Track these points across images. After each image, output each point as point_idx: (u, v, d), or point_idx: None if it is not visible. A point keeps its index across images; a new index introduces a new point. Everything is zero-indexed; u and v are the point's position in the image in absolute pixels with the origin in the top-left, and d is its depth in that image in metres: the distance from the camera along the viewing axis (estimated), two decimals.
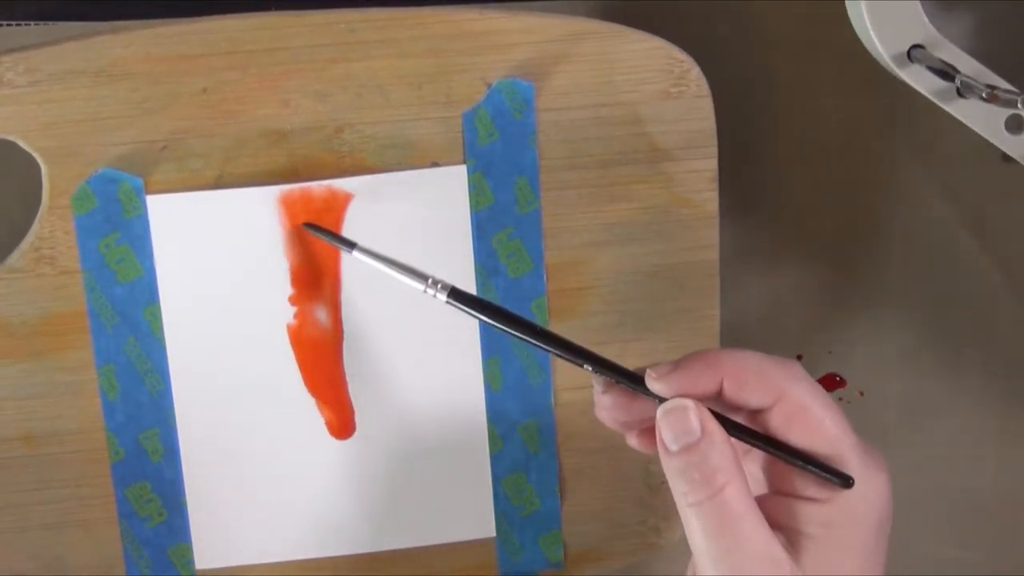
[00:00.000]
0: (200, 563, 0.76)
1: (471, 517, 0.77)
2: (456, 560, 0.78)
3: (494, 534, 0.78)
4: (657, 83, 0.73)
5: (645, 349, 0.76)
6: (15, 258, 0.72)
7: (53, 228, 0.72)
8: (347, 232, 0.73)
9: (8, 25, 0.76)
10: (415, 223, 0.74)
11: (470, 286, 0.75)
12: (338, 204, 0.73)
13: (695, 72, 0.73)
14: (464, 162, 0.73)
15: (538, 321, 0.75)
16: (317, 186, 0.73)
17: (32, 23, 0.77)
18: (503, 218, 0.74)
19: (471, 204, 0.74)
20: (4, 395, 0.74)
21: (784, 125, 0.81)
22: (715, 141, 0.74)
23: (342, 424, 0.75)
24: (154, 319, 0.73)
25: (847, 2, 0.74)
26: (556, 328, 0.75)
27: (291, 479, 0.76)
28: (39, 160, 0.71)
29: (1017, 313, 0.84)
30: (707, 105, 0.74)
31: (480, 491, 0.77)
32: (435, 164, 0.73)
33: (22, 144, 0.71)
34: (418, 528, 0.77)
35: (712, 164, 0.75)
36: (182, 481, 0.75)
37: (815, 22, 0.79)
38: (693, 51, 0.75)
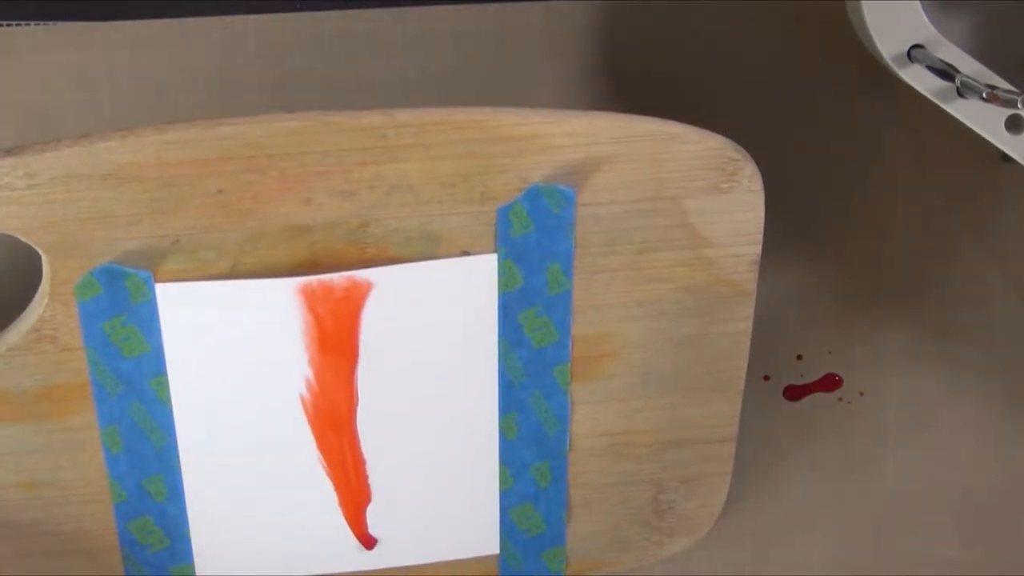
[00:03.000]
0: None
1: (476, 538, 0.78)
2: (458, 569, 0.78)
3: (498, 551, 0.78)
4: (707, 179, 0.69)
5: (668, 404, 0.75)
6: (13, 336, 0.68)
7: (55, 312, 0.68)
8: (366, 323, 0.69)
9: (8, 25, 0.73)
10: (439, 311, 0.70)
11: (492, 358, 0.72)
12: (359, 294, 0.69)
13: (749, 169, 0.69)
14: (495, 251, 0.69)
15: (560, 384, 0.73)
16: (337, 277, 0.68)
17: (32, 23, 0.73)
18: (532, 298, 0.70)
19: (499, 287, 0.70)
20: (3, 451, 0.71)
21: (783, 125, 0.79)
22: (761, 229, 0.70)
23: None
24: (161, 387, 0.70)
25: (847, 2, 0.72)
26: (578, 390, 0.73)
27: (298, 504, 0.75)
28: (40, 252, 0.66)
29: (1017, 313, 0.84)
30: (758, 199, 0.69)
31: (487, 519, 0.77)
32: (466, 253, 0.69)
33: (23, 239, 0.66)
34: (421, 548, 0.77)
35: (756, 249, 0.71)
36: (185, 514, 0.74)
37: (815, 22, 0.77)
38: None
